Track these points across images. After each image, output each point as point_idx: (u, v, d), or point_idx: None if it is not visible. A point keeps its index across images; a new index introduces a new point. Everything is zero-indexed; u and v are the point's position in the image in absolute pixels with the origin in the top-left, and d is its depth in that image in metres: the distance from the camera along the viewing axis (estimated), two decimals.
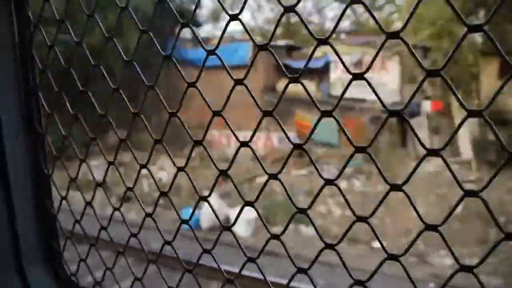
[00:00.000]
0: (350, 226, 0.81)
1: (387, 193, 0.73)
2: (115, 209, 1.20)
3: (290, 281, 0.93)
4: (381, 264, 0.78)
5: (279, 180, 0.87)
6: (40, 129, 1.34)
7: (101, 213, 1.27)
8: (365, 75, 0.72)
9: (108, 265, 1.28)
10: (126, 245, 1.22)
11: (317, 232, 0.88)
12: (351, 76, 0.73)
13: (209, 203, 1.02)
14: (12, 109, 1.29)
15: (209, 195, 1.02)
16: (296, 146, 0.85)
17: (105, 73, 1.12)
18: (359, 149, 0.75)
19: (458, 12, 0.61)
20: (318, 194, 0.82)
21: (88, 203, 1.27)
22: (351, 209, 0.80)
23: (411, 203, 0.72)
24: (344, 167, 0.80)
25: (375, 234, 0.77)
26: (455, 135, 0.72)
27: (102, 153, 1.23)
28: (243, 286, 1.00)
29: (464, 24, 0.60)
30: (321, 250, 0.85)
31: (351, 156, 0.76)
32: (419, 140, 0.71)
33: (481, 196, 0.64)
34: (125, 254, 1.25)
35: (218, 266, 1.03)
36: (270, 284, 0.95)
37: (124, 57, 1.08)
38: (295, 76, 0.81)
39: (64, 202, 1.33)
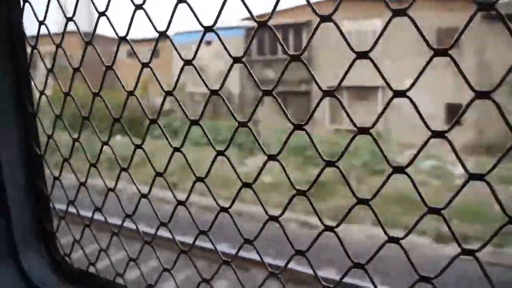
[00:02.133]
0: (349, 210, 0.80)
1: (390, 175, 0.72)
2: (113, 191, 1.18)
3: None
4: (381, 247, 0.77)
5: None
6: (31, 108, 1.30)
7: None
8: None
9: (101, 244, 1.27)
10: (120, 226, 1.21)
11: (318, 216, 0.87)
12: None
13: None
14: (2, 89, 1.26)
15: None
16: None
17: None
18: None
19: None
20: None
21: (82, 184, 1.25)
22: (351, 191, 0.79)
23: (415, 186, 0.70)
24: None
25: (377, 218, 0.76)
26: None
27: (97, 134, 1.21)
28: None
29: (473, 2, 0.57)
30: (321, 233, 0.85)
31: None
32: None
33: (486, 179, 0.63)
34: (119, 236, 1.24)
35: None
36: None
37: None
38: None
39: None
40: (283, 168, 0.86)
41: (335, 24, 0.73)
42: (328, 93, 0.76)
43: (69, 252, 1.37)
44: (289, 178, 0.87)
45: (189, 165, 1.07)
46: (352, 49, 0.71)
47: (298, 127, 0.80)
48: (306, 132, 0.82)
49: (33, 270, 1.34)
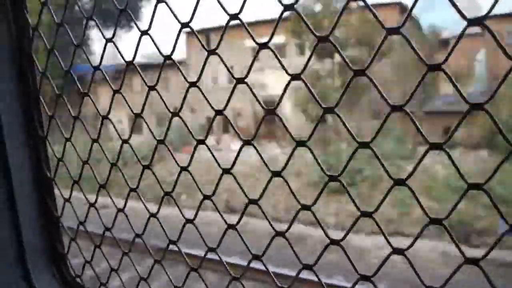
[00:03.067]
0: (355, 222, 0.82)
1: (391, 188, 0.74)
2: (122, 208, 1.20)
3: None
4: (387, 258, 0.78)
5: None
6: (41, 131, 1.34)
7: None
8: None
9: (111, 262, 1.29)
10: (131, 245, 1.23)
11: (322, 228, 0.88)
12: None
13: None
14: (13, 113, 1.29)
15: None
16: None
17: None
18: None
19: None
20: None
21: (92, 205, 1.27)
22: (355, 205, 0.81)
23: (416, 198, 0.72)
24: None
25: (380, 230, 0.78)
26: None
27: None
28: None
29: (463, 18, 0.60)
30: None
31: None
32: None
33: (485, 188, 0.64)
34: (129, 255, 1.26)
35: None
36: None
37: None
38: None
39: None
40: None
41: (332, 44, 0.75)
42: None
43: (81, 273, 1.39)
44: (294, 195, 0.89)
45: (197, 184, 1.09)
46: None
47: None
48: None
49: None
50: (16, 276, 1.34)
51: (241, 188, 0.97)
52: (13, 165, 1.29)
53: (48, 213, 1.39)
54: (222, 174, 0.98)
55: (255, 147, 0.96)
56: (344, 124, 0.78)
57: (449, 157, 0.69)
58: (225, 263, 1.05)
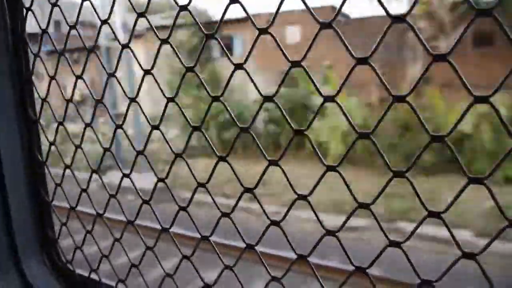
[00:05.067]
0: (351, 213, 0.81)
1: (390, 180, 0.73)
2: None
3: None
4: (382, 250, 0.78)
5: None
6: (34, 116, 1.31)
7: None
8: None
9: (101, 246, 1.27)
10: (122, 233, 1.22)
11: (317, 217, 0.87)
12: None
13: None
14: (5, 96, 1.27)
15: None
16: None
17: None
18: None
19: None
20: None
21: (84, 190, 1.25)
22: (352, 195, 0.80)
23: (415, 191, 0.71)
24: None
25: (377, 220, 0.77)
26: None
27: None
28: None
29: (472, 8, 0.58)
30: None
31: None
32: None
33: (486, 183, 0.64)
34: (121, 241, 1.24)
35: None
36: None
37: None
38: None
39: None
40: None
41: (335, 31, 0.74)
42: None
43: (71, 258, 1.37)
44: (291, 185, 0.88)
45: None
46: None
47: None
48: None
49: (35, 277, 1.34)
50: (6, 262, 1.32)
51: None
52: (3, 148, 1.27)
53: (39, 198, 1.37)
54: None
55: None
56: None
57: None
58: (219, 255, 1.04)
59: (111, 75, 1.09)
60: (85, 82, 1.18)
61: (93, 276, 1.31)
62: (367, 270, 0.81)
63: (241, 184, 0.94)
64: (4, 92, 1.26)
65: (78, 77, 1.15)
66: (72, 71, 1.18)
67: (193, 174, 1.04)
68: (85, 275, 1.32)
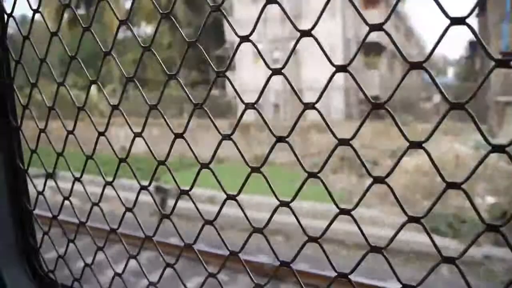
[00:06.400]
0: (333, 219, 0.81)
1: (370, 185, 0.74)
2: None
3: None
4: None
5: None
6: (15, 122, 1.30)
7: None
8: None
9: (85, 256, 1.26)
10: (105, 241, 1.20)
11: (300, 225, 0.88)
12: None
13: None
14: None
15: None
16: None
17: None
18: None
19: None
20: None
21: (66, 198, 1.24)
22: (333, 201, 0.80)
23: (395, 196, 0.72)
24: None
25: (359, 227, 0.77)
26: None
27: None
28: None
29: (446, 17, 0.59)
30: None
31: None
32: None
33: (463, 188, 0.65)
34: (104, 250, 1.23)
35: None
36: None
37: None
38: None
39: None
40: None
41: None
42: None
43: (53, 267, 1.35)
44: (273, 192, 0.88)
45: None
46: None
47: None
48: None
49: (16, 286, 1.31)
50: None
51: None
52: None
53: (20, 206, 1.35)
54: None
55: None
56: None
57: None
58: (203, 263, 1.04)
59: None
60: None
61: (76, 286, 1.29)
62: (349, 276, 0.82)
63: (224, 192, 0.94)
64: None
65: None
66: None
67: (176, 182, 1.04)
68: (67, 285, 1.30)
